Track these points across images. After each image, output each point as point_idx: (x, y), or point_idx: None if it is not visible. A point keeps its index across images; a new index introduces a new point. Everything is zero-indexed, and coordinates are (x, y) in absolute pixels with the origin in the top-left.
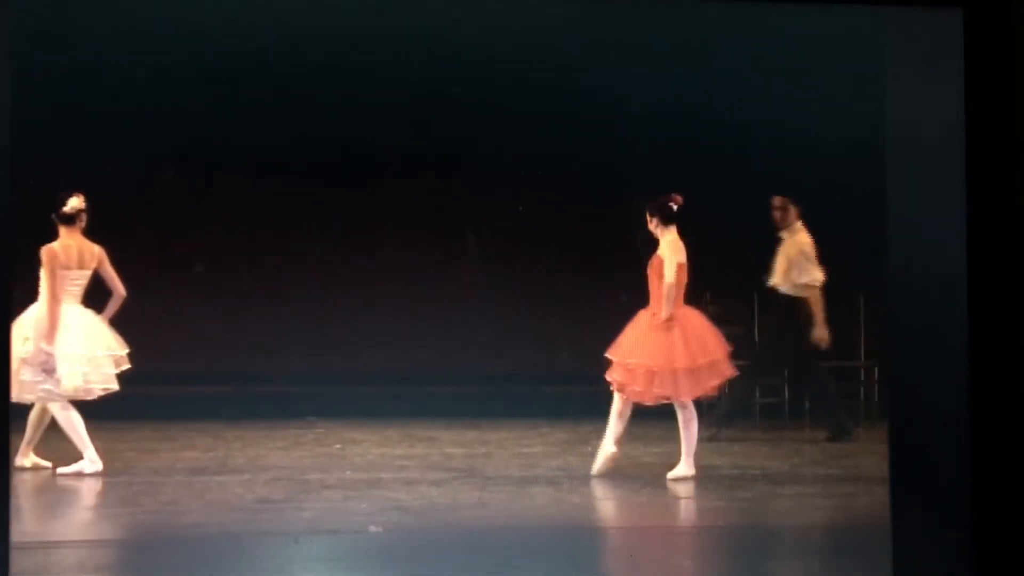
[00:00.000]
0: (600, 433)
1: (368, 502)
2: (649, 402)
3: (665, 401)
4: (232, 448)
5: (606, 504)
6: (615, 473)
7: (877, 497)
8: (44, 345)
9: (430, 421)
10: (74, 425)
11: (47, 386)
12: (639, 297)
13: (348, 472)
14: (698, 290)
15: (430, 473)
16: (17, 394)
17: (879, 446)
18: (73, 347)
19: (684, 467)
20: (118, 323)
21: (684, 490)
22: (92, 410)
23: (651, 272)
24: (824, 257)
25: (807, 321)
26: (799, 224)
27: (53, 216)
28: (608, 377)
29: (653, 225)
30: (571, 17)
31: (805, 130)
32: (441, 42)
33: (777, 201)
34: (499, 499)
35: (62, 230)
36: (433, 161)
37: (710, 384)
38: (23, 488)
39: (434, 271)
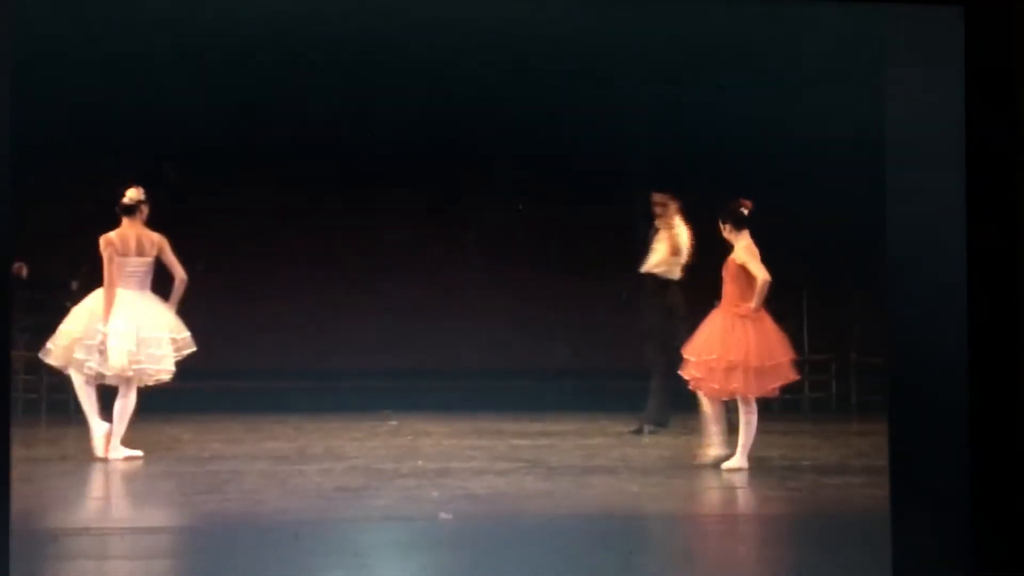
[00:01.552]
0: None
1: (439, 490)
2: (724, 397)
3: (734, 397)
4: (312, 439)
5: (662, 493)
6: (671, 464)
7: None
8: (100, 327)
9: (497, 414)
10: (88, 396)
11: (92, 364)
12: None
13: (420, 462)
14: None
15: (497, 463)
16: (75, 371)
17: None
18: (121, 328)
19: (739, 459)
20: (207, 321)
21: (738, 480)
22: (181, 404)
23: (726, 275)
24: (825, 256)
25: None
26: (678, 219)
27: (116, 208)
28: (684, 375)
29: (727, 231)
30: (572, 16)
31: (804, 128)
32: (442, 40)
33: (660, 198)
34: (562, 488)
35: (124, 220)
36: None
37: (772, 385)
38: (114, 478)
39: (501, 272)
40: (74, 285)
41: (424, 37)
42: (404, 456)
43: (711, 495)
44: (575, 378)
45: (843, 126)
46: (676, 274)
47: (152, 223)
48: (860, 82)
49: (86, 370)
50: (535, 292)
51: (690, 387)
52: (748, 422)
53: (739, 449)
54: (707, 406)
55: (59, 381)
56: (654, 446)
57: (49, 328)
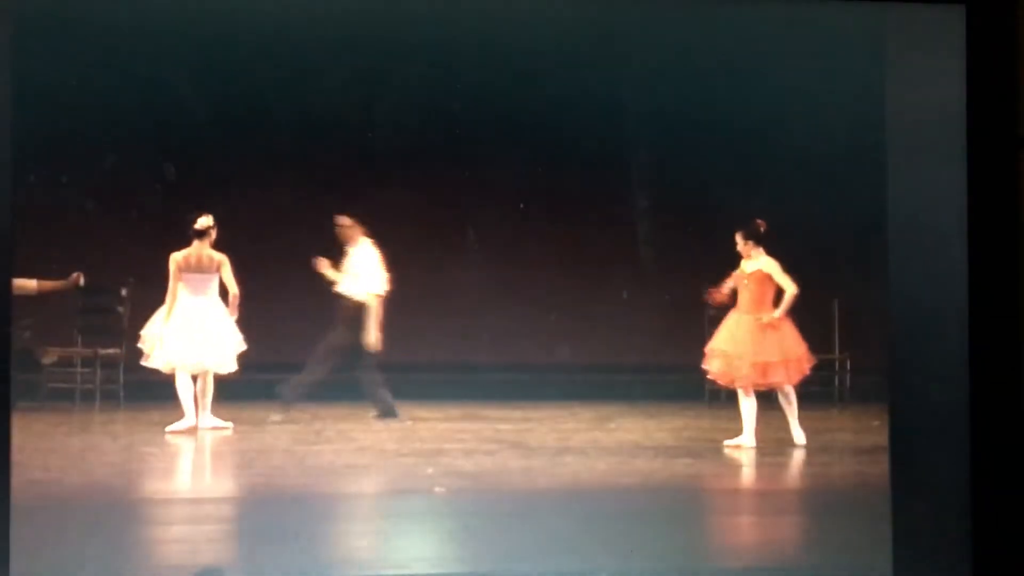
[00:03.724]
0: (621, 413)
1: (434, 467)
2: (762, 389)
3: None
4: (326, 423)
5: (627, 470)
6: (634, 446)
7: (849, 465)
8: (162, 327)
9: (484, 402)
10: (183, 388)
11: (157, 353)
12: (640, 296)
13: (418, 443)
14: (697, 292)
15: (484, 444)
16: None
17: (851, 423)
18: (176, 328)
19: (798, 436)
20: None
21: (689, 460)
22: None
23: (752, 282)
24: (823, 258)
25: (368, 323)
26: (364, 241)
27: (190, 231)
28: (708, 369)
29: (749, 247)
30: (573, 15)
31: (805, 129)
32: (443, 39)
33: (346, 221)
34: (539, 465)
35: (194, 241)
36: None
37: (801, 375)
38: (157, 456)
39: (497, 272)
40: (124, 292)
41: (427, 36)
42: (404, 438)
43: (666, 472)
44: (552, 371)
45: (843, 126)
46: (364, 295)
47: (158, 224)
48: (861, 82)
49: (152, 362)
50: (527, 292)
51: (720, 383)
52: (791, 403)
53: (792, 426)
54: (744, 398)
55: (112, 375)
56: (619, 430)
57: (102, 329)
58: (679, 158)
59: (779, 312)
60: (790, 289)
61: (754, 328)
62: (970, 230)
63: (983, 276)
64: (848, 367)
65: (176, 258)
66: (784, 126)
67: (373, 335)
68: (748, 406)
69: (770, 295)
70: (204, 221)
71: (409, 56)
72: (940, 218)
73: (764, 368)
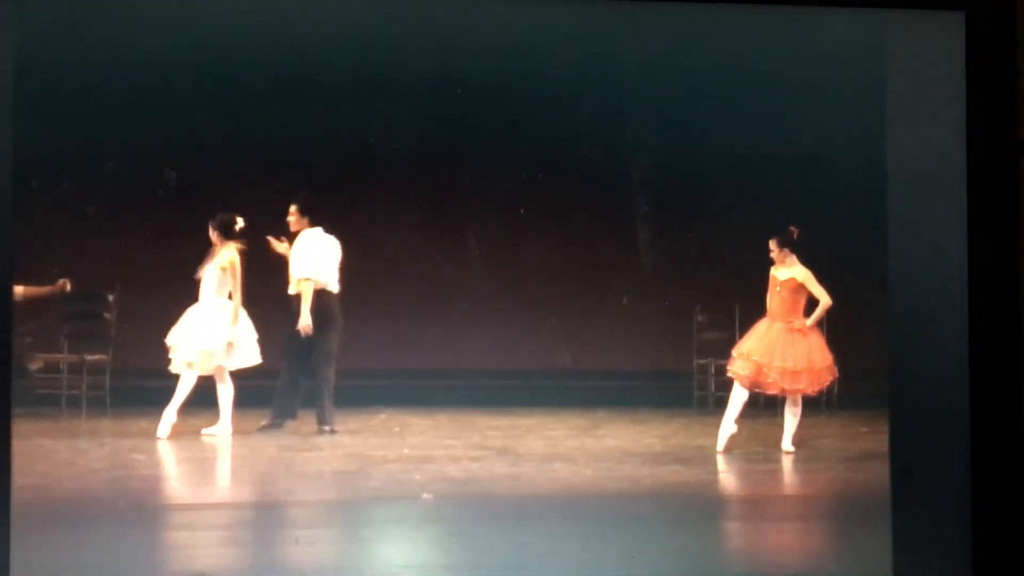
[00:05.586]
0: (610, 419)
1: (422, 474)
2: (773, 391)
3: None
4: (314, 429)
5: (614, 477)
6: (622, 452)
7: (839, 472)
8: (229, 328)
9: (472, 409)
10: (223, 395)
11: (220, 360)
12: (631, 302)
13: (406, 450)
14: (689, 298)
15: (472, 451)
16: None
17: (839, 430)
18: (245, 328)
19: (787, 443)
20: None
21: (677, 466)
22: (203, 399)
23: (785, 290)
24: (822, 261)
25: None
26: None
27: (231, 233)
28: (737, 371)
29: (784, 255)
30: (573, 20)
31: (805, 134)
32: (444, 43)
33: (292, 210)
34: (527, 472)
35: (236, 242)
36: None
37: (826, 382)
38: (145, 461)
39: (492, 280)
40: (111, 297)
41: (428, 40)
42: (392, 444)
43: (654, 477)
44: (540, 378)
45: (844, 131)
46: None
47: (146, 229)
48: (861, 87)
49: (214, 365)
50: (520, 298)
51: (743, 386)
52: (795, 415)
53: (786, 436)
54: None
55: (98, 381)
56: (608, 437)
57: (88, 335)
58: (678, 163)
59: (811, 321)
60: (824, 300)
61: (784, 335)
62: (970, 236)
63: (983, 281)
64: (839, 372)
65: (238, 259)
66: (784, 131)
67: (305, 319)
68: (740, 396)
69: (802, 303)
70: (243, 223)
71: (409, 62)
72: (940, 224)
73: (791, 375)
